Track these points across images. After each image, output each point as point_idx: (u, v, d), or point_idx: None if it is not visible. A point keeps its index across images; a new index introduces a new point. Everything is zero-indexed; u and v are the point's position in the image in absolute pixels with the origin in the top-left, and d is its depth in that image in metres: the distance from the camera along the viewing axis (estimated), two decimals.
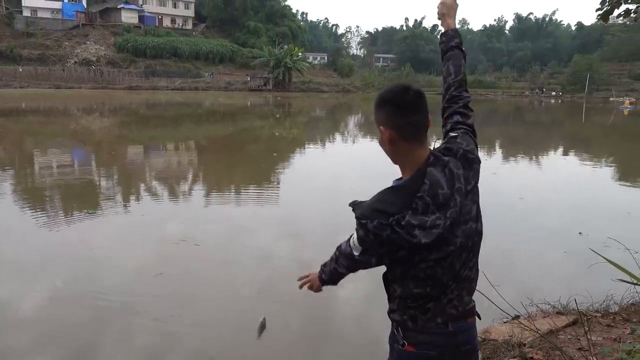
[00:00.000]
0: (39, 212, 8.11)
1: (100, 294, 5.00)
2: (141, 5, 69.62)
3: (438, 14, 2.16)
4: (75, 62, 57.14)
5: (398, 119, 1.67)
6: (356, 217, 1.63)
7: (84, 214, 8.04)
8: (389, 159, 1.77)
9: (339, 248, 1.89)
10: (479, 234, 1.74)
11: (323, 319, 4.74)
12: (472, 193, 1.70)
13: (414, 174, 1.64)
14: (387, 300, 1.82)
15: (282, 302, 5.00)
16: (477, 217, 1.73)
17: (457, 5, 2.10)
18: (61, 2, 64.15)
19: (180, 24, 73.93)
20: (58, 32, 61.00)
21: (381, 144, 1.75)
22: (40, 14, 62.54)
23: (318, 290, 2.12)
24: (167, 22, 72.12)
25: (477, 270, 1.79)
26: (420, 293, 1.68)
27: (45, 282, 5.30)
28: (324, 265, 2.02)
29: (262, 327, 3.10)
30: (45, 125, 22.88)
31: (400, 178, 1.73)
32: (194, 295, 5.10)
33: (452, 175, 1.64)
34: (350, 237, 1.73)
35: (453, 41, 2.09)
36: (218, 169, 13.29)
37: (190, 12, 75.67)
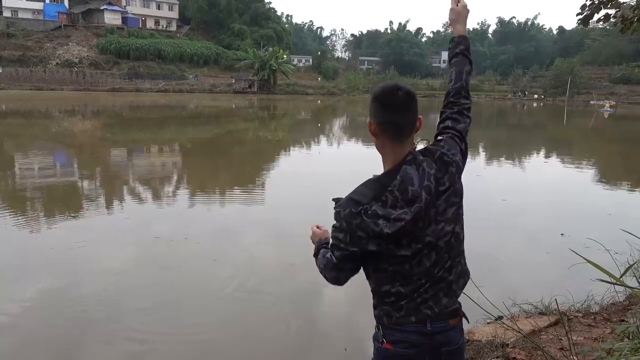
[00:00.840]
0: (20, 216, 7.99)
1: (81, 299, 4.94)
2: (124, 6, 69.03)
3: (449, 19, 2.17)
4: (57, 63, 56.46)
5: (381, 115, 1.73)
6: (334, 208, 1.75)
7: (66, 217, 7.94)
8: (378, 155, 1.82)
9: (327, 259, 1.89)
10: (454, 235, 1.75)
11: (308, 320, 4.74)
12: (448, 194, 1.72)
13: (390, 169, 1.72)
14: None
15: (266, 303, 5.00)
16: (455, 220, 1.75)
17: (467, 11, 2.10)
18: (43, 3, 63.35)
19: (164, 26, 73.46)
20: (39, 33, 60.21)
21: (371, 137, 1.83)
22: (21, 15, 61.69)
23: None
24: (150, 24, 71.60)
25: (460, 272, 1.80)
26: (390, 290, 1.73)
27: (24, 287, 5.22)
28: (317, 253, 2.04)
29: None
30: (26, 128, 22.56)
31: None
32: (175, 299, 5.06)
33: (424, 174, 1.69)
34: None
35: (458, 47, 2.09)
36: (203, 172, 13.22)
37: (174, 14, 75.23)
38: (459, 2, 2.09)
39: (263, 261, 6.27)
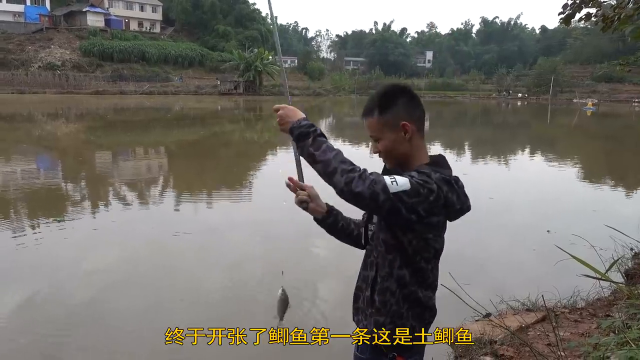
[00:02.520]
0: (3, 220, 7.87)
1: (65, 303, 4.89)
2: (107, 8, 68.37)
3: (302, 203, 1.97)
4: (40, 66, 55.70)
5: (415, 109, 1.68)
6: (415, 170, 1.58)
7: (51, 221, 7.84)
8: (387, 164, 1.74)
9: (356, 167, 1.53)
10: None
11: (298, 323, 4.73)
12: None
13: (439, 154, 1.71)
14: None
15: (255, 305, 4.99)
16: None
17: (316, 192, 1.98)
18: (23, 5, 62.45)
19: (148, 28, 72.88)
20: (21, 35, 59.35)
21: (395, 145, 1.66)
22: (1, 18, 60.66)
23: (280, 124, 1.73)
24: (134, 26, 70.99)
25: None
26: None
27: (7, 291, 5.15)
28: (317, 137, 1.62)
29: (284, 304, 2.15)
30: (8, 132, 22.22)
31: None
32: (161, 302, 5.03)
33: None
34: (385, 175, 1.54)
35: (338, 212, 2.02)
36: (189, 174, 13.13)
37: (158, 16, 74.69)
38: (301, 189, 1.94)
39: (251, 262, 6.25)
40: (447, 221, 1.69)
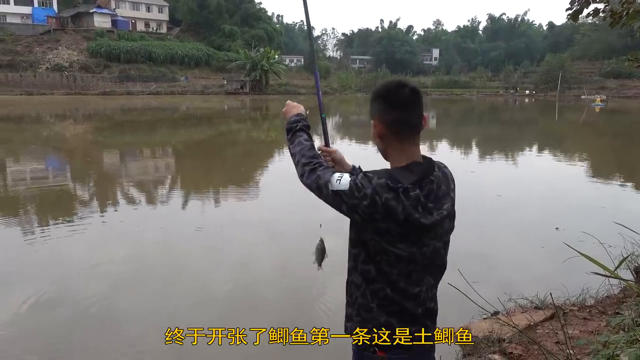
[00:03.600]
0: (13, 221, 7.94)
1: (76, 303, 4.92)
2: (114, 9, 68.71)
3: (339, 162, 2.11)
4: (47, 67, 56.07)
5: (389, 114, 1.65)
6: (363, 172, 1.62)
7: (60, 221, 7.90)
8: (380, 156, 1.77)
9: (313, 163, 1.75)
10: (444, 257, 1.76)
11: (304, 322, 4.74)
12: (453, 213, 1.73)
13: (426, 160, 1.67)
14: None
15: (261, 305, 5.00)
16: (447, 244, 1.76)
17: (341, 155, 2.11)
18: (31, 7, 62.91)
19: (154, 28, 73.15)
20: (29, 37, 59.77)
21: (373, 138, 1.74)
22: (9, 20, 61.23)
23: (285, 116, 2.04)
24: (140, 26, 71.29)
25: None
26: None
27: (19, 293, 5.19)
28: (294, 134, 1.92)
29: (321, 252, 2.26)
30: (17, 133, 22.39)
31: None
32: (170, 300, 5.05)
33: (447, 178, 1.70)
34: (334, 170, 1.70)
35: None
36: (196, 173, 13.18)
37: (164, 16, 74.94)
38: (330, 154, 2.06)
39: (259, 261, 6.27)
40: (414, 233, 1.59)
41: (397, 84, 1.66)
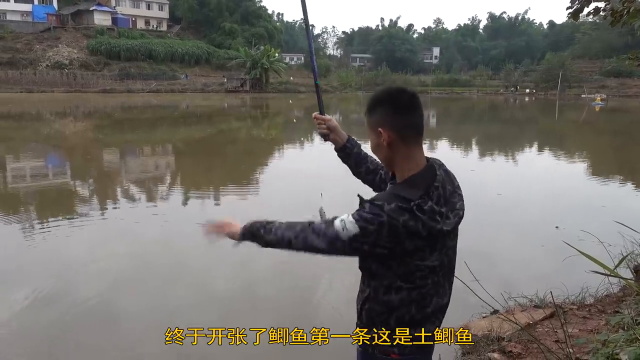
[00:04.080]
0: (12, 219, 7.94)
1: (77, 301, 4.93)
2: (114, 7, 68.68)
3: (323, 136, 2.20)
4: (47, 65, 56.06)
5: (398, 119, 1.63)
6: (369, 201, 1.55)
7: (60, 219, 7.90)
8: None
9: (306, 225, 1.64)
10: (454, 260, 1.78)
11: (305, 320, 4.74)
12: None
13: (426, 166, 1.64)
14: None
15: (261, 305, 5.00)
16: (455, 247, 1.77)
17: (336, 123, 2.19)
18: (31, 5, 62.84)
19: (155, 26, 73.11)
20: (29, 35, 59.75)
21: (377, 148, 1.70)
22: (9, 17, 61.17)
23: (230, 236, 1.82)
24: (141, 24, 71.25)
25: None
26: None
27: (19, 290, 5.19)
28: (266, 225, 1.71)
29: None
30: (17, 131, 22.39)
31: (394, 179, 1.71)
32: (170, 299, 5.05)
33: (449, 176, 1.70)
34: (332, 219, 1.58)
35: (356, 147, 2.17)
36: (196, 171, 13.17)
37: (165, 14, 74.90)
38: (325, 122, 2.14)
39: (259, 260, 6.27)
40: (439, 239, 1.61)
41: (398, 89, 1.66)
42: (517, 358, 3.34)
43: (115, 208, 8.94)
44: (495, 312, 4.11)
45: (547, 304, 4.20)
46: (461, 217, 1.67)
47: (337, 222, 1.55)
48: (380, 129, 1.63)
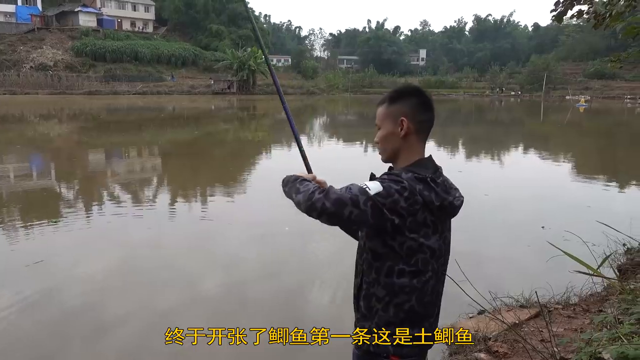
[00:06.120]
0: None
1: (62, 307, 4.88)
2: (99, 8, 68.10)
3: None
4: (31, 67, 55.45)
5: (422, 113, 1.73)
6: (385, 173, 1.65)
7: (45, 223, 7.80)
8: (380, 157, 1.79)
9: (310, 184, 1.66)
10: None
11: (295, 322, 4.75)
12: None
13: (428, 157, 1.73)
14: None
15: (251, 306, 4.99)
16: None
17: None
18: (15, 5, 62.06)
19: (141, 27, 72.63)
20: (12, 36, 59.02)
21: (389, 136, 1.73)
22: None
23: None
24: (126, 26, 70.74)
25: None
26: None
27: (2, 297, 5.12)
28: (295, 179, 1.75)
29: None
30: (0, 133, 22.09)
31: (391, 169, 1.76)
32: (159, 303, 5.02)
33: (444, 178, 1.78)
34: (349, 185, 1.59)
35: None
36: (184, 174, 13.09)
37: (151, 15, 74.44)
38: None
39: (250, 261, 6.26)
40: (443, 220, 1.70)
41: (424, 91, 1.77)
42: (504, 358, 3.37)
43: (100, 211, 8.85)
44: (483, 311, 4.14)
45: (532, 304, 4.24)
46: (461, 205, 1.75)
47: (358, 184, 1.57)
48: (403, 118, 1.69)
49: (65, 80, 54.90)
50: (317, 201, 1.52)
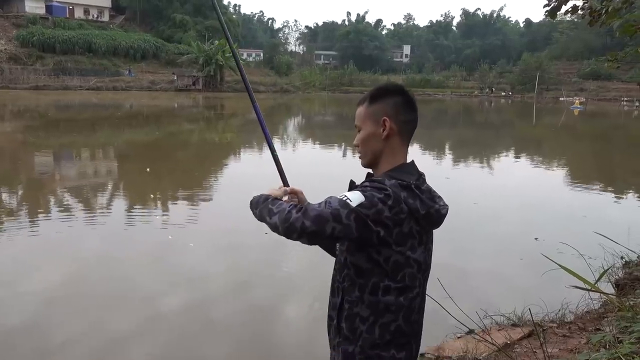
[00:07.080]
0: None
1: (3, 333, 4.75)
2: None
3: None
4: None
5: (406, 113, 1.73)
6: (366, 180, 1.67)
7: None
8: (360, 161, 1.79)
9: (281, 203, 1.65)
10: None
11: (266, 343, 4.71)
12: None
13: (411, 162, 1.74)
14: None
15: (216, 327, 4.94)
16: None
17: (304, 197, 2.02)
18: None
19: (95, 16, 71.61)
20: None
21: (370, 138, 1.73)
22: None
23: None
24: (79, 13, 69.66)
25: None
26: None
27: None
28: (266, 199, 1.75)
29: None
30: None
31: (371, 175, 1.76)
32: (112, 323, 4.93)
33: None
34: (327, 198, 1.57)
35: None
36: (142, 179, 12.92)
37: (107, 2, 73.45)
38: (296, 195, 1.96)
39: (212, 277, 6.19)
40: (427, 231, 1.71)
41: (408, 89, 1.77)
42: None
43: (49, 221, 8.66)
44: (471, 331, 4.16)
45: (525, 322, 4.29)
46: (446, 213, 1.75)
47: (337, 196, 1.56)
48: (385, 118, 1.70)
49: (9, 73, 53.68)
50: (296, 221, 1.50)
